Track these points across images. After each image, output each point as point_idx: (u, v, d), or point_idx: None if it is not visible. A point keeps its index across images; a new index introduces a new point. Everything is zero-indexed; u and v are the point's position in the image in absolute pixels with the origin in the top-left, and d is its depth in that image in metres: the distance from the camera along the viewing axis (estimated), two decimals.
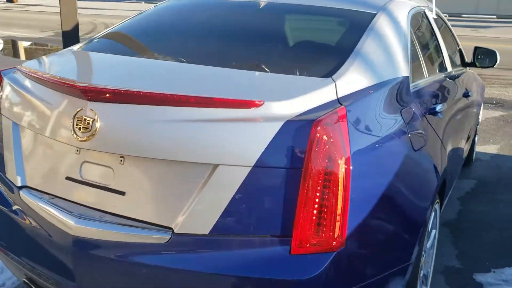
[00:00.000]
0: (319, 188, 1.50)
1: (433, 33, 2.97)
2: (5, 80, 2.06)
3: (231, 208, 1.54)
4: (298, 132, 1.53)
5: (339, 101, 1.68)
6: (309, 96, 1.63)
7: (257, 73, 1.87)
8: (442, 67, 2.99)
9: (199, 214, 1.57)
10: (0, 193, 1.99)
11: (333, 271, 1.52)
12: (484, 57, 3.72)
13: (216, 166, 1.55)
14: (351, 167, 1.53)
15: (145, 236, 1.62)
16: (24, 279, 1.94)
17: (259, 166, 1.52)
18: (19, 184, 1.90)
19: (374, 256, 1.70)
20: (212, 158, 1.55)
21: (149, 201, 1.65)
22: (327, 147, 1.51)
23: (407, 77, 2.15)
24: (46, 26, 14.79)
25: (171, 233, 1.60)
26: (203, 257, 1.57)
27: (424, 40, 2.76)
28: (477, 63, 3.73)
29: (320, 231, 1.52)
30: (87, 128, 1.66)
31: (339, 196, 1.51)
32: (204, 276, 1.55)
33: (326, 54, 2.11)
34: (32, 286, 1.92)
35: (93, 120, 1.65)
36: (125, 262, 1.64)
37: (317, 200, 1.50)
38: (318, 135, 1.51)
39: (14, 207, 1.91)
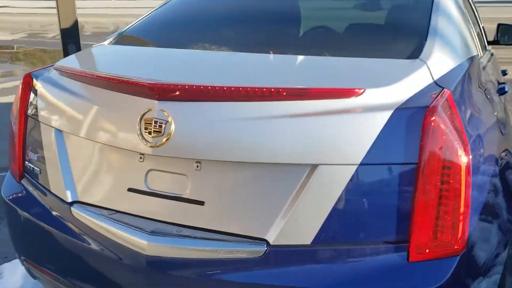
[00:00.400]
0: (438, 184, 1.32)
1: (473, 10, 2.82)
2: (40, 83, 1.82)
3: (336, 213, 1.35)
4: (409, 122, 1.34)
5: (437, 84, 1.50)
6: (409, 80, 1.45)
7: (335, 58, 1.67)
8: (484, 45, 2.85)
9: (298, 222, 1.37)
10: (45, 211, 1.75)
11: (459, 277, 1.35)
12: (507, 34, 3.59)
13: (315, 166, 1.35)
14: (470, 157, 1.36)
15: (236, 250, 1.41)
16: None
17: (367, 163, 1.33)
18: (69, 199, 1.67)
19: (487, 252, 1.53)
20: (310, 158, 1.36)
21: (235, 210, 1.45)
22: (444, 137, 1.33)
23: (477, 55, 1.99)
24: (16, 27, 14.26)
25: (266, 245, 1.40)
26: (305, 271, 1.38)
27: (470, 17, 2.61)
28: (500, 41, 3.59)
29: (440, 233, 1.34)
30: (160, 131, 1.44)
31: (462, 192, 1.33)
32: None
33: (400, 34, 1.92)
34: None
35: (166, 122, 1.43)
36: (213, 282, 1.44)
37: (437, 197, 1.32)
38: (433, 124, 1.32)
39: (64, 226, 1.68)
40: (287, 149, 1.36)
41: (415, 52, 1.65)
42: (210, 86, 1.40)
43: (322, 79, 1.52)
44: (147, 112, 1.46)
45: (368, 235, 1.36)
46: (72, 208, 1.66)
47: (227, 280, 1.42)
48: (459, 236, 1.34)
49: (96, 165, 1.64)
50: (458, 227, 1.34)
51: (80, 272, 1.67)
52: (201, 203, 1.47)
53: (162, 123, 1.43)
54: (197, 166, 1.46)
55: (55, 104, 1.72)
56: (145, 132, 1.45)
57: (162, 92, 1.43)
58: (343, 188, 1.34)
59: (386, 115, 1.34)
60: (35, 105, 1.82)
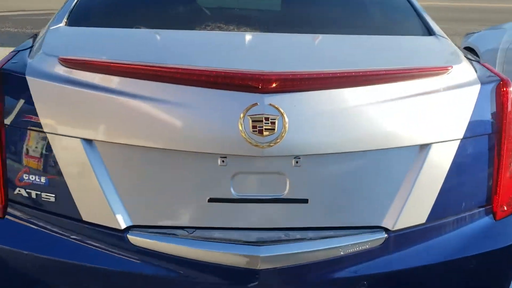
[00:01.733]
0: None
1: None
2: (36, 81, 1.35)
3: (445, 189, 1.41)
4: (492, 95, 1.47)
5: (468, 58, 1.65)
6: (460, 57, 1.57)
7: (374, 36, 1.69)
8: None
9: (415, 203, 1.39)
10: (75, 248, 1.35)
11: None
12: None
13: (423, 146, 1.38)
14: None
15: (355, 244, 1.36)
16: None
17: (468, 137, 1.42)
18: (122, 225, 1.33)
19: None
20: (419, 138, 1.38)
21: (345, 203, 1.38)
22: None
23: None
24: None
25: (384, 232, 1.38)
26: (421, 249, 1.41)
27: None
28: None
29: None
30: (273, 129, 1.25)
31: None
32: (430, 268, 1.41)
33: (394, 11, 2.00)
34: None
35: (279, 117, 1.26)
36: (336, 282, 1.36)
37: None
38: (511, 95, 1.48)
39: (119, 260, 1.33)
40: (393, 133, 1.35)
41: (426, 29, 1.78)
42: (326, 73, 1.29)
43: (401, 59, 1.53)
44: (251, 107, 1.26)
45: (468, 204, 1.46)
46: (128, 235, 1.33)
47: (350, 277, 1.36)
48: None
49: (155, 177, 1.34)
50: None
51: None
52: (305, 201, 1.35)
53: (274, 119, 1.26)
54: (296, 162, 1.33)
55: (81, 108, 1.33)
56: (253, 131, 1.25)
57: (270, 84, 1.25)
58: (450, 163, 1.40)
59: (475, 91, 1.44)
60: (27, 111, 1.36)
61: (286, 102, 1.27)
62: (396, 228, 1.38)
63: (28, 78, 1.36)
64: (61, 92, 1.34)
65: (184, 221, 1.35)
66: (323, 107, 1.30)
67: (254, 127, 1.25)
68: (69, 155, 1.34)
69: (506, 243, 1.49)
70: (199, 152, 1.30)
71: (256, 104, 1.26)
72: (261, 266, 1.30)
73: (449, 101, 1.41)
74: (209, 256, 1.31)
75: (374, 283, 1.37)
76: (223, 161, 1.32)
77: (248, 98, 1.26)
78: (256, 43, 1.60)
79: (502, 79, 1.49)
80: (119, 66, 1.31)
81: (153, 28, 1.67)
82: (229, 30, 1.65)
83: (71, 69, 1.35)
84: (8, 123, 1.38)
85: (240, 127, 1.25)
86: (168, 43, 1.59)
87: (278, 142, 1.26)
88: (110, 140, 1.32)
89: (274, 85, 1.26)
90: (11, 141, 1.39)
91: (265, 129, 1.25)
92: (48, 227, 1.38)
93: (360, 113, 1.32)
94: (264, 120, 1.25)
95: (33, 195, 1.38)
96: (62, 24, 1.69)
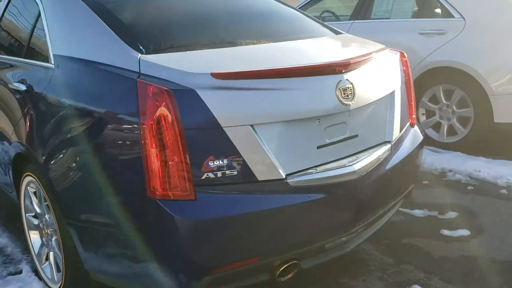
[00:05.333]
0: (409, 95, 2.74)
1: None
2: (205, 93, 1.85)
3: (400, 114, 2.55)
4: (399, 59, 2.69)
5: None
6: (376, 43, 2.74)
7: (321, 38, 2.68)
8: None
9: (395, 125, 2.48)
10: (256, 199, 1.94)
11: None
12: None
13: (391, 93, 2.49)
14: None
15: (383, 152, 2.36)
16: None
17: (397, 84, 2.58)
18: (283, 176, 1.98)
19: None
20: (389, 89, 2.48)
21: (373, 131, 2.37)
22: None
23: None
24: None
25: (389, 143, 2.43)
26: (402, 147, 2.53)
27: None
28: None
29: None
30: (351, 93, 2.14)
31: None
32: (407, 157, 2.53)
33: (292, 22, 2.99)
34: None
35: (352, 86, 2.15)
36: (383, 170, 2.34)
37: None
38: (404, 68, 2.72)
39: (285, 198, 1.99)
40: (384, 88, 2.42)
41: (333, 31, 2.89)
42: (359, 60, 2.24)
43: (364, 49, 2.57)
44: (339, 83, 2.11)
45: (405, 121, 2.63)
46: (287, 181, 2.00)
47: (385, 168, 2.36)
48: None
49: (291, 140, 2.04)
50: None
51: (317, 225, 2.10)
52: (356, 135, 2.28)
53: (350, 87, 2.15)
54: (349, 114, 2.25)
55: (240, 104, 1.92)
56: (343, 96, 2.11)
57: (344, 67, 2.14)
58: (400, 99, 2.55)
59: (396, 57, 2.63)
60: (203, 114, 1.85)
61: (351, 76, 2.18)
62: (392, 140, 2.45)
63: (198, 90, 1.86)
64: (224, 95, 1.90)
65: (309, 163, 2.09)
66: (360, 77, 2.25)
67: (343, 93, 2.12)
68: (242, 138, 1.91)
69: (421, 138, 2.75)
70: (309, 117, 2.07)
71: (341, 80, 2.12)
72: (357, 175, 2.18)
73: (390, 65, 2.55)
74: (332, 178, 2.11)
75: (390, 170, 2.40)
76: (319, 121, 2.12)
77: (334, 78, 2.11)
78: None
79: (400, 52, 2.71)
80: (253, 72, 1.97)
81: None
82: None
83: (224, 80, 1.91)
84: (188, 127, 1.84)
85: (338, 95, 2.10)
86: (264, 53, 2.28)
87: (354, 101, 2.16)
88: (264, 122, 1.95)
89: (344, 69, 2.15)
90: (193, 140, 1.85)
91: (349, 94, 2.14)
92: (233, 192, 1.91)
93: (373, 80, 2.33)
94: (348, 89, 2.13)
95: (219, 175, 1.89)
96: (139, 54, 2.07)
